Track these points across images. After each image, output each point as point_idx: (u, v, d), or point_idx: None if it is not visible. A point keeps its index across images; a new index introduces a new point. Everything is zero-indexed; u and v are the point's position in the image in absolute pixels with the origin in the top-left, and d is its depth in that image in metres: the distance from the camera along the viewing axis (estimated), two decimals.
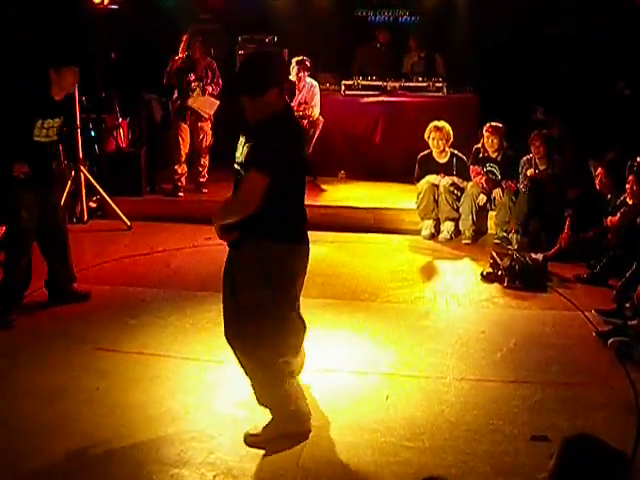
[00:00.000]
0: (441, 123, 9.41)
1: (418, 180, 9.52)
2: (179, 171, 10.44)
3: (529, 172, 9.08)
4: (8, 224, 6.75)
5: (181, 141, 10.31)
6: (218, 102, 10.43)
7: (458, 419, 4.94)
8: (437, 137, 9.36)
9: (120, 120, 10.93)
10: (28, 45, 9.11)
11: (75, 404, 5.09)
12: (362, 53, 12.63)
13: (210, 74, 10.40)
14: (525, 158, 9.23)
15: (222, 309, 4.71)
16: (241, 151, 4.41)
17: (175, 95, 10.33)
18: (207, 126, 10.42)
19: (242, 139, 4.49)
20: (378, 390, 5.35)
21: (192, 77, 10.17)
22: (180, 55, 10.26)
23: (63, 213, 7.32)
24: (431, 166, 9.50)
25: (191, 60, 10.25)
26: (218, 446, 4.59)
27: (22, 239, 6.62)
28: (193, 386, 5.37)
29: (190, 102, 10.24)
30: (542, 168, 9.08)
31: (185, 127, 10.33)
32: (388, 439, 4.69)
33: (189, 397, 5.19)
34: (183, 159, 10.42)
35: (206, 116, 10.39)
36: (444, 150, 9.44)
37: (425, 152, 9.55)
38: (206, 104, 10.37)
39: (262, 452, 4.53)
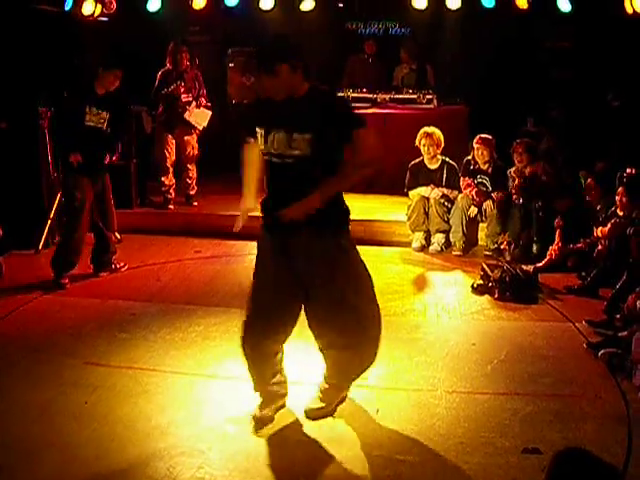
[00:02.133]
0: (431, 129, 9.44)
1: (409, 189, 9.54)
2: (167, 182, 10.45)
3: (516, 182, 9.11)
4: (66, 202, 8.20)
5: (167, 154, 10.32)
6: (210, 113, 10.45)
7: (449, 432, 4.92)
8: (427, 143, 9.39)
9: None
10: (18, 55, 9.10)
11: (64, 418, 5.06)
12: (351, 64, 12.67)
13: (197, 85, 10.40)
14: (513, 169, 9.25)
15: None
16: (274, 141, 4.56)
17: (161, 108, 10.30)
18: (193, 140, 10.44)
19: (261, 130, 4.63)
20: (369, 403, 5.32)
21: (182, 87, 10.16)
22: (167, 67, 10.26)
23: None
24: (422, 173, 9.52)
25: (177, 72, 10.24)
26: (207, 461, 4.56)
27: (74, 217, 7.87)
28: (182, 401, 5.33)
29: (186, 116, 10.24)
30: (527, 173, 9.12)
31: (171, 139, 10.34)
32: (379, 453, 4.66)
33: (178, 412, 5.16)
34: (170, 170, 10.41)
35: (200, 128, 10.40)
36: (435, 156, 9.47)
37: (416, 160, 9.58)
38: (202, 116, 10.38)
39: (251, 468, 4.50)
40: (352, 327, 4.81)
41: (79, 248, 7.94)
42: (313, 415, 5.05)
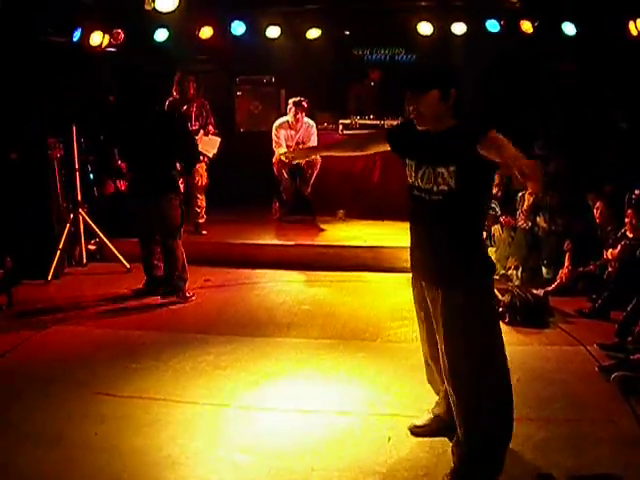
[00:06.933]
0: None
1: None
2: None
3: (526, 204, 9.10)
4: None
5: None
6: (220, 139, 10.48)
7: None
8: None
9: (119, 162, 10.93)
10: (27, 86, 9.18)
11: (74, 450, 5.02)
12: (355, 91, 12.76)
13: (205, 113, 10.45)
14: (521, 194, 9.24)
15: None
16: (424, 175, 4.58)
17: None
18: (202, 168, 10.40)
19: (412, 162, 4.63)
20: (380, 431, 5.28)
21: (193, 112, 10.22)
22: (174, 96, 10.31)
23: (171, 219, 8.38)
24: None
25: (185, 99, 10.30)
26: None
27: (141, 241, 8.59)
28: (194, 430, 5.30)
29: None
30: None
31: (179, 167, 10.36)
32: None
33: (190, 442, 5.12)
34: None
35: (210, 156, 10.40)
36: None
37: None
38: (211, 144, 10.41)
39: None
40: None
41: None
42: None
